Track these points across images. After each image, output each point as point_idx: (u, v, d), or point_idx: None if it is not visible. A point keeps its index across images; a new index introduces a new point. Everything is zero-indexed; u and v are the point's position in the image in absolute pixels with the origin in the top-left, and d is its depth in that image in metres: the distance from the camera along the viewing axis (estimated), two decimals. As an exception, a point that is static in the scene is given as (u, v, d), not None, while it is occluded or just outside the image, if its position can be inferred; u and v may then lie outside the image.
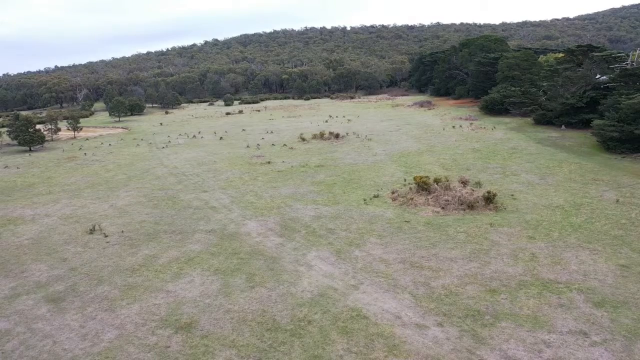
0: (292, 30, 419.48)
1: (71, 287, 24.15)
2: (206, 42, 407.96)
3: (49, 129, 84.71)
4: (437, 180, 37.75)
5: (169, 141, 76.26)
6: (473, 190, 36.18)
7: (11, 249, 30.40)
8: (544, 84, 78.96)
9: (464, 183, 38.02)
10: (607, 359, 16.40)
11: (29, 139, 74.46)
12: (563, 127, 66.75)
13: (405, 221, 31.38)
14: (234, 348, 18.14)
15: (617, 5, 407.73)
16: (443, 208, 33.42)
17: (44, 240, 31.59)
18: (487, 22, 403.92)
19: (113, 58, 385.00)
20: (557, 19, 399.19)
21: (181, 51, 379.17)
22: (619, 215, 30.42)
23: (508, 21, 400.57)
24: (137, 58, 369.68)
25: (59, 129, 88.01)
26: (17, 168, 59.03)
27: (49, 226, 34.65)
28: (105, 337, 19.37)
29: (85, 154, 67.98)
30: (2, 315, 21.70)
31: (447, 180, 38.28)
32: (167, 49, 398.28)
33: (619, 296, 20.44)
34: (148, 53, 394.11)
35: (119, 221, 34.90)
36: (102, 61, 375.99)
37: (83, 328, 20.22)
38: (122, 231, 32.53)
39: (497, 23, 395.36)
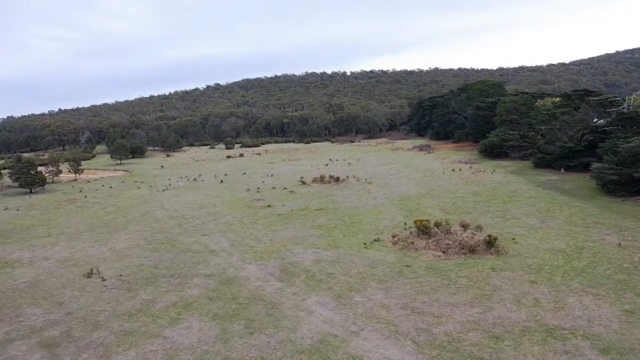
0: (293, 75, 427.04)
1: (66, 332, 23.70)
2: (208, 87, 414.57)
3: (50, 171, 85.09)
4: (437, 224, 37.61)
5: (170, 184, 76.44)
6: (474, 234, 35.99)
7: (7, 292, 30.00)
8: (542, 127, 79.83)
9: (465, 227, 37.88)
10: (616, 409, 15.94)
11: (30, 180, 74.68)
12: (562, 170, 67.04)
13: (406, 265, 31.09)
14: (231, 397, 17.64)
15: (612, 51, 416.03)
16: (444, 252, 33.18)
17: (40, 284, 31.21)
18: (484, 67, 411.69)
19: (116, 101, 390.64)
20: (553, 64, 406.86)
21: (183, 95, 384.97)
22: (622, 259, 30.15)
23: (505, 66, 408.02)
24: (140, 102, 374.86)
25: (61, 171, 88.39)
26: (17, 210, 58.94)
27: (46, 269, 34.31)
28: (100, 385, 18.88)
29: (85, 196, 68.02)
30: (-6, 362, 21.24)
31: (448, 224, 38.13)
32: (170, 93, 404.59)
33: (625, 342, 20.03)
34: (151, 97, 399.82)
35: (117, 265, 34.57)
36: (105, 104, 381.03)
37: (77, 375, 19.73)
38: (120, 275, 32.18)
39: (494, 68, 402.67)
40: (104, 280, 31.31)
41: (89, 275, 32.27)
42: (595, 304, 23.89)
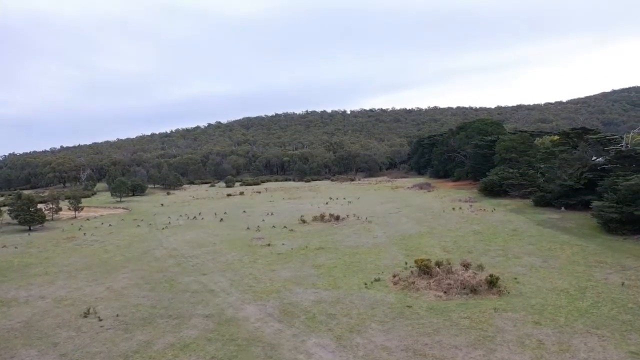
0: (294, 113, 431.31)
1: (61, 375, 23.19)
2: (209, 125, 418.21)
3: (50, 208, 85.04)
4: (438, 264, 37.31)
5: (169, 222, 76.24)
6: (475, 274, 35.65)
7: (2, 332, 29.52)
8: (542, 165, 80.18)
9: (466, 266, 37.55)
10: None
11: (29, 218, 74.53)
12: (563, 208, 66.96)
13: (407, 306, 30.69)
14: None
15: (608, 90, 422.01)
16: (445, 292, 32.80)
17: (36, 324, 30.74)
18: (482, 105, 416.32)
19: (118, 139, 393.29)
20: (550, 103, 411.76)
21: (185, 133, 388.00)
22: (626, 299, 29.77)
23: (503, 105, 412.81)
24: (141, 139, 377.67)
25: (60, 209, 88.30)
26: (15, 248, 58.60)
27: (42, 309, 33.85)
28: None
29: (84, 234, 67.74)
30: (-14, 406, 20.71)
31: (449, 264, 37.84)
32: (171, 131, 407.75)
33: (632, 387, 19.58)
34: (152, 135, 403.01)
35: (115, 304, 34.13)
36: (106, 142, 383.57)
37: (70, 421, 19.20)
38: (117, 315, 31.72)
39: (493, 107, 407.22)
40: (100, 320, 30.84)
41: (86, 315, 31.82)
42: (600, 345, 23.47)
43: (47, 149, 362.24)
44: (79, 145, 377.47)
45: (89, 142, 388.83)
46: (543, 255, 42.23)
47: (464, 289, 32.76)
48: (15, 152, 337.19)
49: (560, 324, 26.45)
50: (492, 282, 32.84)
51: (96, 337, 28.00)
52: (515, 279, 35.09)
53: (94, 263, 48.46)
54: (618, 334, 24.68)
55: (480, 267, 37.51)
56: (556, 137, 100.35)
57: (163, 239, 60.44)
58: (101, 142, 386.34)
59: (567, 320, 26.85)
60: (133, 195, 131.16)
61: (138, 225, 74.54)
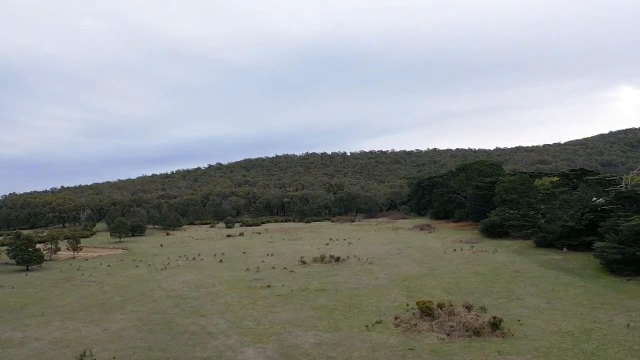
0: (294, 155, 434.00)
1: (54, 420, 22.56)
2: (210, 166, 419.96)
3: (48, 248, 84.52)
4: (440, 305, 36.86)
5: (168, 263, 75.64)
6: (478, 316, 35.16)
7: (-5, 376, 28.89)
8: (542, 206, 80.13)
9: (469, 308, 37.07)
10: None
11: (27, 258, 73.96)
12: (565, 249, 66.59)
13: (410, 349, 30.13)
14: None
15: (605, 131, 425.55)
16: (448, 335, 32.27)
17: (30, 367, 30.10)
18: (481, 147, 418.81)
19: (119, 179, 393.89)
20: (549, 144, 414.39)
21: (185, 174, 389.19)
22: (632, 341, 29.28)
23: (502, 147, 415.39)
24: (142, 180, 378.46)
25: (59, 249, 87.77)
26: (12, 288, 57.94)
27: (37, 350, 33.22)
28: None
29: (82, 274, 67.10)
30: None
31: (451, 305, 37.38)
32: (172, 172, 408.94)
33: None
34: (153, 175, 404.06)
35: (111, 347, 33.50)
36: (107, 182, 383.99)
37: None
38: (114, 358, 31.10)
39: (492, 148, 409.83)
40: (96, 363, 30.23)
41: (82, 357, 31.15)
42: (608, 390, 22.92)
43: (48, 189, 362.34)
44: (79, 186, 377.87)
45: (89, 183, 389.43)
46: (546, 296, 41.74)
47: (467, 331, 32.26)
48: (16, 192, 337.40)
49: (566, 367, 25.91)
50: (496, 324, 32.37)
51: (91, 380, 27.37)
52: (519, 320, 34.58)
53: (91, 304, 47.84)
54: (625, 378, 24.15)
55: (483, 309, 37.02)
56: (556, 178, 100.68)
57: (162, 280, 59.84)
58: (102, 183, 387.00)
59: (573, 364, 26.30)
60: (132, 235, 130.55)
61: (137, 266, 73.92)
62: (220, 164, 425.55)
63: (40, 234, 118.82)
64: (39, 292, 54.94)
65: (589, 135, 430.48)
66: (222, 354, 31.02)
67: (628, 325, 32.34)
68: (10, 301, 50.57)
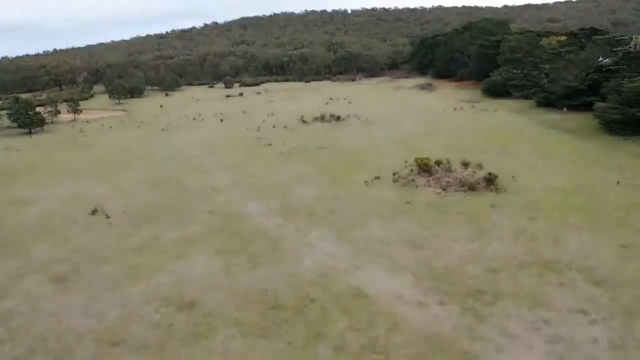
0: (293, 13, 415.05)
1: (74, 268, 24.30)
2: (206, 25, 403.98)
3: (49, 111, 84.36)
4: (438, 162, 37.74)
5: (170, 123, 76.03)
6: (474, 172, 36.18)
7: (14, 230, 30.54)
8: (547, 66, 78.45)
9: (465, 165, 37.99)
10: (606, 337, 16.55)
11: (29, 121, 74.26)
12: (565, 109, 66.45)
13: (407, 202, 31.44)
14: (236, 326, 18.31)
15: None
16: (444, 189, 33.48)
17: (46, 222, 31.72)
18: (489, 4, 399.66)
19: (112, 41, 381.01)
20: (560, 2, 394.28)
21: (181, 34, 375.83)
22: (620, 197, 30.44)
23: (510, 4, 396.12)
24: (137, 41, 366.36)
25: (59, 112, 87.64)
26: (18, 150, 58.97)
27: (50, 208, 34.75)
28: (110, 316, 19.55)
29: (85, 136, 67.90)
30: (7, 295, 21.89)
31: (449, 162, 38.25)
32: (167, 32, 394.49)
33: (618, 276, 20.56)
34: (147, 36, 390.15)
35: (121, 202, 34.95)
36: (101, 44, 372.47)
37: (87, 307, 20.40)
38: (124, 212, 32.62)
39: (499, 6, 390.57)
40: (108, 217, 31.78)
41: (94, 212, 32.70)
42: (591, 239, 24.34)
43: (40, 52, 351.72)
44: (72, 48, 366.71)
45: (82, 45, 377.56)
46: (542, 154, 42.56)
47: (463, 186, 33.43)
48: (8, 56, 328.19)
49: (555, 219, 27.26)
50: (490, 180, 33.43)
51: (105, 233, 29.00)
52: (514, 177, 35.61)
53: (97, 164, 49.00)
54: (610, 229, 25.51)
55: (480, 166, 37.94)
56: (563, 38, 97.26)
57: (164, 140, 60.65)
58: (95, 45, 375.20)
59: (562, 216, 27.64)
60: (131, 97, 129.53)
61: (138, 127, 74.46)
62: (216, 22, 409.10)
63: (38, 98, 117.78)
64: (45, 154, 55.99)
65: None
66: (227, 207, 32.46)
67: (618, 183, 33.35)
68: (18, 163, 51.72)
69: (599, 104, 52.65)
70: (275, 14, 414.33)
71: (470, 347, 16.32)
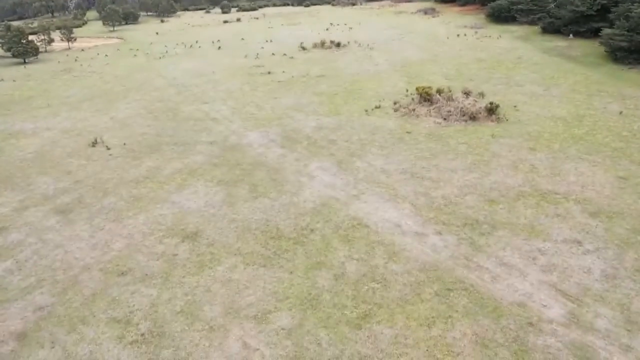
0: None
1: (78, 199, 24.64)
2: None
3: (42, 39, 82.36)
4: (439, 91, 37.28)
5: (167, 51, 74.49)
6: (476, 101, 35.82)
7: (15, 162, 30.68)
8: (554, -11, 75.57)
9: (467, 94, 37.56)
10: (599, 266, 17.02)
11: (22, 50, 72.67)
12: (571, 35, 64.73)
13: (407, 132, 31.37)
14: (239, 255, 18.81)
15: None
16: (445, 119, 33.29)
17: (47, 154, 31.81)
18: None
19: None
20: None
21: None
22: (621, 127, 30.30)
23: None
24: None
25: (53, 40, 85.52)
26: (13, 81, 58.12)
27: (50, 139, 34.73)
28: (115, 247, 20.04)
29: (81, 65, 66.69)
30: (13, 227, 22.33)
31: (450, 91, 37.80)
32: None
33: (614, 207, 20.85)
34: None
35: (120, 134, 34.91)
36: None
37: (92, 238, 20.86)
38: (124, 143, 32.65)
39: None
40: (108, 149, 31.85)
41: (94, 144, 32.74)
42: (590, 170, 24.46)
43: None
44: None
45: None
46: (545, 83, 41.95)
47: (463, 116, 33.20)
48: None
49: (554, 150, 27.28)
50: (492, 110, 33.16)
51: (106, 165, 29.16)
52: (515, 106, 35.32)
53: (94, 94, 48.47)
54: (609, 160, 25.57)
55: (481, 95, 37.53)
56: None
57: (162, 69, 59.64)
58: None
59: (561, 147, 27.63)
60: (126, 24, 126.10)
61: (135, 55, 72.98)
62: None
63: (30, 25, 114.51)
64: (41, 84, 55.23)
65: None
66: (227, 138, 32.44)
67: (621, 112, 33.06)
68: (14, 94, 51.12)
69: (606, 31, 51.16)
70: None
71: (466, 276, 16.83)
